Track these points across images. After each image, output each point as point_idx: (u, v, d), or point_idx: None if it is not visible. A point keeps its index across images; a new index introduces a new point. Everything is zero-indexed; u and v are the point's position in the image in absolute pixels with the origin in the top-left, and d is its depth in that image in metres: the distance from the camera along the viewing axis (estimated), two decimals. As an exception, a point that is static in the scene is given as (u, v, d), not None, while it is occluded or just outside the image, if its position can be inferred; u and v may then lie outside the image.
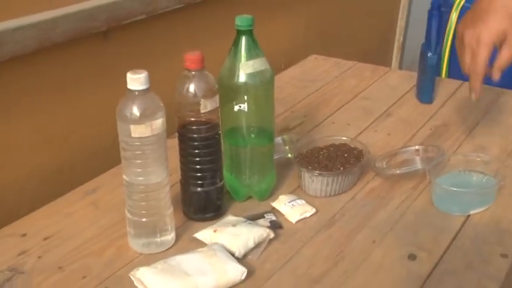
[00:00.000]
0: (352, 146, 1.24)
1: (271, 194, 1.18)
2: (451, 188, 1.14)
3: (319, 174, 1.16)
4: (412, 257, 1.02)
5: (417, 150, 1.30)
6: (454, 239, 1.07)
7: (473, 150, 1.32)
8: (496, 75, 1.08)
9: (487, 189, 1.16)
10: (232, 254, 0.99)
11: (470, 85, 1.12)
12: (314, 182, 1.17)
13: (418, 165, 1.25)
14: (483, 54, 1.06)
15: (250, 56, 1.06)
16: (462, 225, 1.10)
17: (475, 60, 1.07)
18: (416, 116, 1.51)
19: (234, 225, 1.04)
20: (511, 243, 1.06)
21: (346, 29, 2.23)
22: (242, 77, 1.06)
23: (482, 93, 1.13)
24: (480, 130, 1.43)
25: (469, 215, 1.13)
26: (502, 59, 1.08)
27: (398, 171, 1.23)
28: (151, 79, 0.95)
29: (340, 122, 1.48)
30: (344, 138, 1.27)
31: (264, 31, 1.74)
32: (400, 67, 2.64)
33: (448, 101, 1.58)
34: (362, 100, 1.61)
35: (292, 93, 1.64)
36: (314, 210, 1.13)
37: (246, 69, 1.06)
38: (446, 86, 1.66)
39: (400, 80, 1.72)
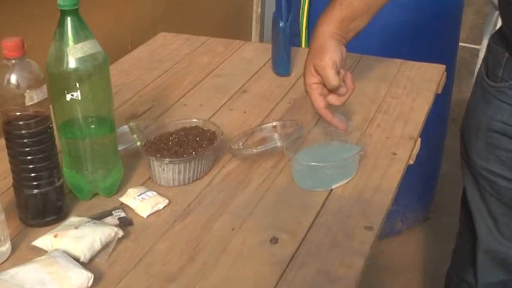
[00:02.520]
0: (205, 128, 1.25)
1: (119, 188, 1.16)
2: (310, 163, 1.18)
3: (170, 162, 1.15)
4: (274, 240, 1.04)
5: (275, 126, 1.33)
6: (316, 216, 1.10)
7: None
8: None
9: (347, 161, 1.20)
10: (77, 260, 0.97)
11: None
12: (165, 170, 1.16)
13: (277, 142, 1.27)
14: (313, 97, 1.22)
15: (78, 39, 1.03)
16: (325, 201, 1.14)
17: (311, 103, 1.23)
18: (273, 90, 1.54)
19: (76, 227, 1.02)
20: (375, 214, 1.10)
21: (197, 1, 2.22)
22: (71, 63, 1.03)
23: (343, 126, 1.23)
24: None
25: (331, 190, 1.17)
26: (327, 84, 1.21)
27: (255, 151, 1.24)
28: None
29: (193, 103, 1.49)
30: (195, 120, 1.27)
31: (106, 10, 1.72)
32: (261, 40, 2.68)
33: (307, 71, 1.62)
34: (215, 78, 1.61)
35: (139, 76, 1.62)
36: (167, 201, 1.13)
37: (74, 53, 1.03)
38: (304, 55, 1.66)
39: (256, 53, 1.74)
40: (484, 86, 1.39)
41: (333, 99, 1.22)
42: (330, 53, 1.19)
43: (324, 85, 1.21)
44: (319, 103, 1.21)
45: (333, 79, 1.18)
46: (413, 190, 2.39)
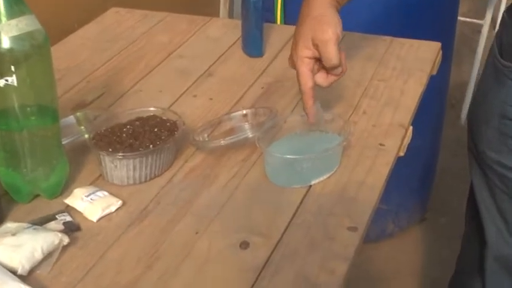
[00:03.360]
0: (164, 117, 1.25)
1: (64, 188, 1.16)
2: (286, 156, 1.18)
3: (123, 157, 1.15)
4: (244, 244, 1.05)
5: (245, 115, 1.34)
6: (293, 216, 1.10)
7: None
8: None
9: (328, 153, 1.20)
10: (14, 272, 0.96)
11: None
12: (118, 167, 1.16)
13: (247, 132, 1.27)
14: (302, 72, 1.21)
15: (12, 14, 1.02)
16: (303, 199, 1.14)
17: (298, 79, 1.22)
18: (243, 73, 1.54)
19: (14, 234, 1.01)
20: (360, 214, 1.11)
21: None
22: (5, 42, 1.02)
23: (311, 119, 1.24)
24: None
25: (310, 186, 1.17)
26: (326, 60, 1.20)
27: (223, 142, 1.24)
28: None
29: (150, 89, 1.49)
30: (153, 109, 1.27)
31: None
32: (231, 15, 2.68)
33: (282, 51, 1.62)
34: (176, 59, 1.61)
35: (88, 58, 1.62)
36: (120, 202, 1.13)
37: (8, 31, 1.02)
38: (279, 33, 1.70)
39: (224, 31, 1.74)
40: (497, 66, 1.38)
41: (320, 78, 1.23)
42: (333, 26, 1.19)
43: (317, 61, 1.21)
44: (308, 80, 1.21)
45: (335, 56, 1.18)
46: (406, 186, 2.40)
